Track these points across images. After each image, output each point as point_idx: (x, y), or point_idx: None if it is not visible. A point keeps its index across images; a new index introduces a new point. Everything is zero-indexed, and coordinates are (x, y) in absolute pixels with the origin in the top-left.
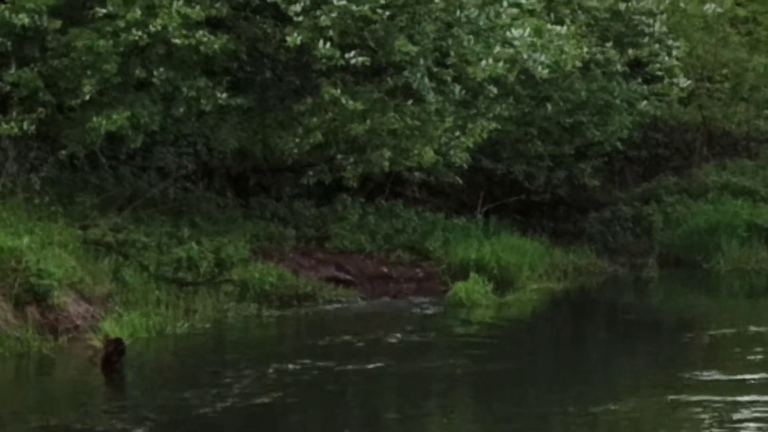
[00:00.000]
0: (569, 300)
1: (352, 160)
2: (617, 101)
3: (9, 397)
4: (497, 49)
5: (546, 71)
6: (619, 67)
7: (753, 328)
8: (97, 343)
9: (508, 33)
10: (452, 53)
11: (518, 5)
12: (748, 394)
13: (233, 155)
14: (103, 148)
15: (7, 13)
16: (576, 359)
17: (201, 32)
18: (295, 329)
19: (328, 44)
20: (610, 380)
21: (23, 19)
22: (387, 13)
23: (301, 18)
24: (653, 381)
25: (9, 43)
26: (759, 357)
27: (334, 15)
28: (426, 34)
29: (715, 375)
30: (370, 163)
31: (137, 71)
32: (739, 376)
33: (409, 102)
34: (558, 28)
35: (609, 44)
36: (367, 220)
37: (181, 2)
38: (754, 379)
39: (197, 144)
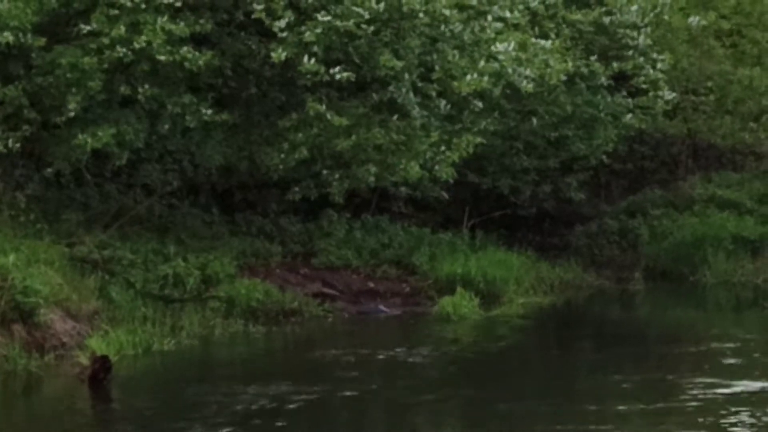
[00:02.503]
0: (556, 314)
1: (337, 175)
2: (602, 115)
3: None
4: (482, 63)
5: (531, 85)
6: (603, 80)
7: (740, 343)
8: (84, 360)
9: (492, 47)
10: (437, 68)
11: (503, 20)
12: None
13: (219, 171)
14: (89, 165)
15: None
16: (563, 377)
17: (186, 48)
18: (281, 346)
19: (313, 60)
20: (597, 401)
21: (7, 36)
22: (371, 28)
23: (285, 34)
24: (641, 405)
25: None
26: (745, 374)
27: (318, 30)
28: (411, 49)
29: (703, 399)
30: (355, 179)
31: (122, 88)
32: (728, 406)
33: (395, 117)
34: (542, 42)
35: (593, 58)
36: (353, 235)
37: (165, 18)
38: (742, 406)
39: (182, 160)
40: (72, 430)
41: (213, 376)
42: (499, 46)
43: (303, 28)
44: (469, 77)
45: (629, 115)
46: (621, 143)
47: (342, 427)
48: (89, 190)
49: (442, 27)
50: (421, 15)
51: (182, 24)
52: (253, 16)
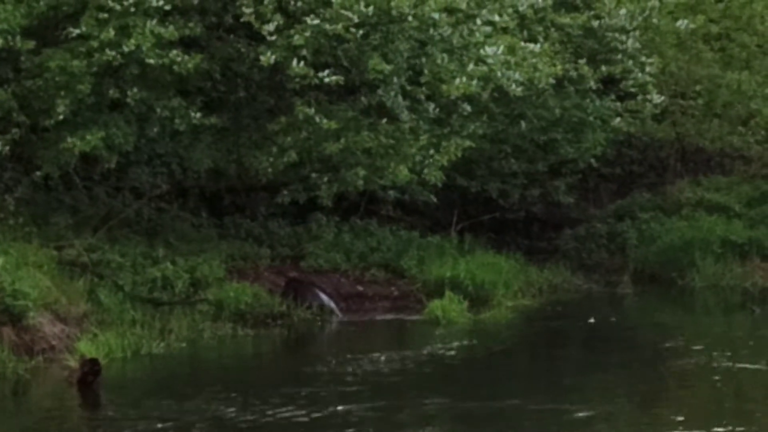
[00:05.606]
0: (544, 318)
1: (326, 179)
2: (591, 118)
3: None
4: (471, 67)
5: (520, 89)
6: (592, 84)
7: (731, 346)
8: (73, 363)
9: (481, 51)
10: (426, 71)
11: (491, 23)
12: None
13: (207, 175)
14: (78, 168)
15: None
16: (551, 386)
17: (175, 52)
18: (270, 349)
19: (302, 63)
20: (585, 404)
21: None
22: (360, 32)
23: (274, 37)
24: (627, 409)
25: None
26: (735, 376)
27: (307, 34)
28: (399, 53)
29: (691, 410)
30: (344, 182)
31: (111, 91)
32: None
33: (383, 120)
34: (531, 45)
35: (582, 61)
36: (342, 238)
37: (154, 22)
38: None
39: (171, 164)
40: None
41: (202, 380)
42: (488, 50)
43: (292, 31)
44: (457, 81)
45: (618, 119)
46: (609, 147)
47: None
48: (78, 193)
49: (431, 31)
50: (410, 19)
51: (171, 27)
52: (242, 20)
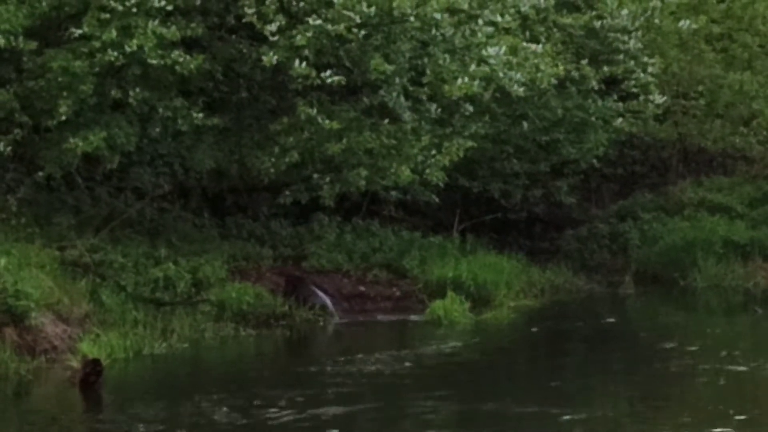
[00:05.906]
0: (546, 318)
1: (328, 179)
2: (593, 119)
3: None
4: (473, 67)
5: (522, 89)
6: (594, 84)
7: (733, 352)
8: (75, 363)
9: (483, 51)
10: (428, 72)
11: (493, 24)
12: None
13: (209, 175)
14: (80, 169)
15: None
16: (552, 387)
17: (177, 52)
18: (272, 350)
19: (304, 64)
20: (583, 406)
21: None
22: (362, 32)
23: (276, 37)
24: (628, 410)
25: None
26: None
27: (309, 34)
28: (401, 53)
29: (693, 412)
30: (346, 183)
31: (113, 92)
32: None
33: (385, 121)
34: (533, 46)
35: (584, 62)
36: (344, 239)
37: (156, 22)
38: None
39: (173, 164)
40: None
41: (204, 381)
42: (490, 50)
43: (294, 32)
44: (459, 81)
45: (620, 119)
46: (611, 147)
47: None
48: (80, 193)
49: (433, 31)
50: (411, 19)
51: (173, 28)
52: (244, 20)
